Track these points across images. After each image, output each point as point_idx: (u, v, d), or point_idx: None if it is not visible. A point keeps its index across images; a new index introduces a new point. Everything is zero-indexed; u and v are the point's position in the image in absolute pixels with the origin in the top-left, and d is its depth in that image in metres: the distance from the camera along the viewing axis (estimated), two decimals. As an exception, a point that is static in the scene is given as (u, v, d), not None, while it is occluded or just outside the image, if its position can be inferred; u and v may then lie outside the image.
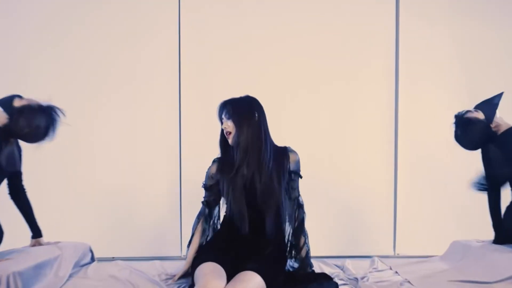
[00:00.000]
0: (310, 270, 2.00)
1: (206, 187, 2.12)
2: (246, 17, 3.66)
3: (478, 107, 2.47)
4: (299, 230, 2.03)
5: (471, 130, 2.36)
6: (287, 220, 2.05)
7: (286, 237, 2.08)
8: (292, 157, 2.05)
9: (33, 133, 2.00)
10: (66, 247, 2.22)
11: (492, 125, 2.36)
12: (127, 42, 3.56)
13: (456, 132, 2.47)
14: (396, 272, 2.17)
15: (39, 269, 1.91)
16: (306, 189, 3.17)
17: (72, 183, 3.41)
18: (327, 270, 2.16)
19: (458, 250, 2.41)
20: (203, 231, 2.12)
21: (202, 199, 2.16)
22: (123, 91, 3.54)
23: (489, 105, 2.40)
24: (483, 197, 3.00)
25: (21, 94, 2.12)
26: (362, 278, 2.05)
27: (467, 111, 2.44)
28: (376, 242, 3.64)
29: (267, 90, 3.41)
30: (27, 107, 2.00)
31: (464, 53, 3.83)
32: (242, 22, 3.65)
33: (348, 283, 1.99)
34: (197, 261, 1.84)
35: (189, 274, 1.98)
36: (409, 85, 3.80)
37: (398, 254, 3.56)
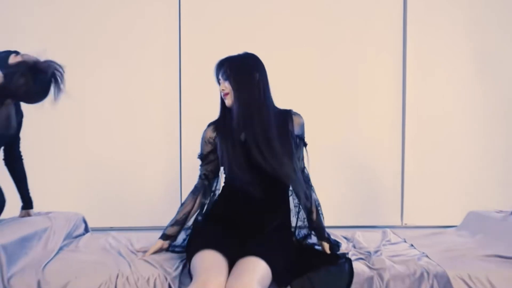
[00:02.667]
0: (329, 240, 1.85)
1: (202, 156, 1.91)
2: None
3: None
4: (311, 204, 1.85)
5: None
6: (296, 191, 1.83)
7: (294, 210, 1.89)
8: (296, 120, 1.83)
9: (31, 92, 1.77)
10: (57, 217, 2.07)
11: None
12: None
13: None
14: (412, 245, 2.02)
15: (25, 241, 1.75)
16: (312, 159, 3.17)
17: (66, 152, 3.28)
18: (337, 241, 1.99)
19: (476, 222, 2.27)
20: (201, 206, 1.91)
21: (199, 172, 1.94)
22: (122, 58, 3.41)
23: None
24: (492, 166, 2.95)
25: (18, 50, 1.92)
26: (376, 252, 1.89)
27: None
28: (383, 212, 3.59)
29: (269, 50, 3.18)
30: (23, 64, 1.77)
31: (476, 26, 3.66)
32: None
33: (361, 257, 1.83)
34: (194, 244, 1.65)
35: (162, 250, 1.85)
36: (417, 56, 3.67)
37: (405, 224, 3.50)
